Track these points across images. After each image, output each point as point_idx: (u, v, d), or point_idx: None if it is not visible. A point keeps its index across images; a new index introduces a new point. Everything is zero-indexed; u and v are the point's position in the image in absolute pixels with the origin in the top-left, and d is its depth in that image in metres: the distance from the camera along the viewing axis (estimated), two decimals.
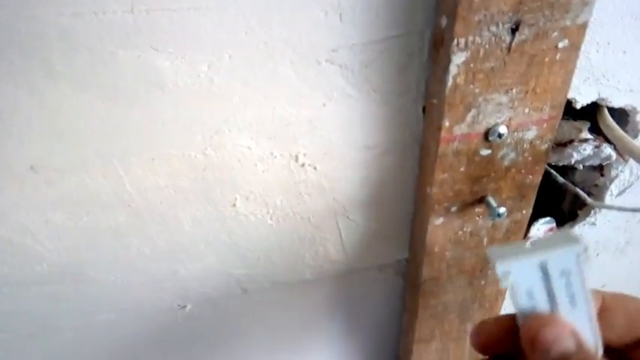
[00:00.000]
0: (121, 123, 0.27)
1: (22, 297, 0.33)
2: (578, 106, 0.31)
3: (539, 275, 0.21)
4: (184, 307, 0.36)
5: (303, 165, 0.30)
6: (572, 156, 0.32)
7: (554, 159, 0.34)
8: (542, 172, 0.30)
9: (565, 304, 0.21)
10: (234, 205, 0.31)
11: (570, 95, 0.30)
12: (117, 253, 0.32)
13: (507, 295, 0.21)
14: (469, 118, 0.27)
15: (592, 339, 0.20)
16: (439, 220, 0.31)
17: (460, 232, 0.31)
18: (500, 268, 0.21)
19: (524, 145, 0.28)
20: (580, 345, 0.19)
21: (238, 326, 0.38)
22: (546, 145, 0.29)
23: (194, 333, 0.38)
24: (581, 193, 0.28)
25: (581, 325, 0.20)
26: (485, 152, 0.28)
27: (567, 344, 0.19)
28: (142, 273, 0.33)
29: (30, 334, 0.35)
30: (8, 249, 0.30)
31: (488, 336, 0.21)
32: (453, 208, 0.30)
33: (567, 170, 0.37)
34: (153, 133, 0.27)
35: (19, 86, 0.24)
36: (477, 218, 0.31)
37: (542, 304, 0.21)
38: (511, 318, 0.21)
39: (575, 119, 0.34)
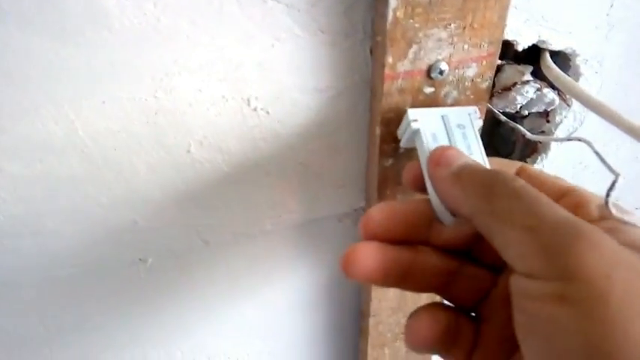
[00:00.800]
0: (70, 65, 0.27)
1: None
2: (520, 48, 0.32)
3: (441, 124, 0.26)
4: (146, 260, 0.37)
5: (255, 109, 0.31)
6: (516, 100, 0.34)
7: (500, 105, 0.35)
8: (484, 111, 0.31)
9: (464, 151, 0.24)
10: (188, 151, 0.32)
11: (511, 37, 0.32)
12: (74, 203, 0.32)
13: (417, 145, 0.27)
14: (411, 54, 0.27)
15: None
16: (388, 162, 0.32)
17: None
18: (411, 115, 0.27)
19: (466, 83, 0.29)
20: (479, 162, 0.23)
21: (202, 279, 0.39)
22: (487, 83, 0.30)
23: (157, 286, 0.38)
24: (520, 127, 0.29)
25: None
26: (428, 90, 0.29)
27: (468, 160, 0.21)
28: (100, 224, 0.33)
29: None
30: None
31: (378, 223, 0.22)
32: (401, 149, 0.31)
33: (517, 121, 0.38)
34: (102, 76, 0.27)
35: None
36: None
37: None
38: (404, 205, 0.23)
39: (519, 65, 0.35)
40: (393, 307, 0.39)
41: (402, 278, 0.22)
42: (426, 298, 0.41)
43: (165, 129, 0.30)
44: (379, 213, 0.22)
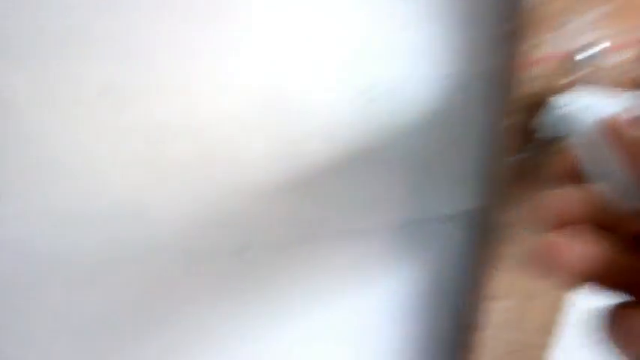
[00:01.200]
0: (194, 44, 0.27)
1: (87, 232, 0.33)
2: None
3: (592, 111, 0.24)
4: (247, 251, 0.36)
5: (371, 98, 0.30)
6: None
7: None
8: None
9: None
10: (301, 140, 0.31)
11: None
12: (183, 188, 0.32)
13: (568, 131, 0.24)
14: (551, 39, 0.25)
15: None
16: (521, 156, 0.29)
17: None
18: (558, 101, 0.25)
19: (611, 71, 0.27)
20: None
21: (301, 273, 0.38)
22: (635, 72, 0.27)
23: (255, 278, 0.37)
24: None
25: None
26: (569, 78, 0.27)
27: None
28: (207, 210, 0.33)
29: (87, 278, 0.35)
30: (74, 179, 0.30)
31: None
32: (536, 143, 0.29)
33: None
34: (223, 59, 0.27)
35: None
36: None
37: None
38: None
39: None
40: (507, 321, 0.36)
41: (605, 275, 0.19)
42: (549, 308, 0.37)
43: (278, 117, 0.30)
44: (569, 198, 0.20)
